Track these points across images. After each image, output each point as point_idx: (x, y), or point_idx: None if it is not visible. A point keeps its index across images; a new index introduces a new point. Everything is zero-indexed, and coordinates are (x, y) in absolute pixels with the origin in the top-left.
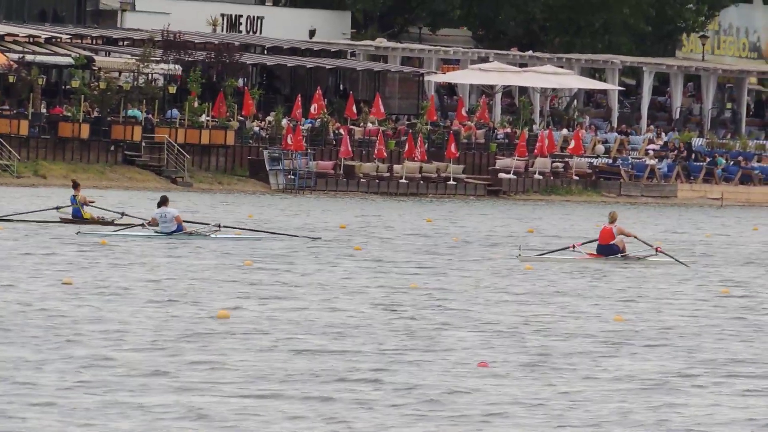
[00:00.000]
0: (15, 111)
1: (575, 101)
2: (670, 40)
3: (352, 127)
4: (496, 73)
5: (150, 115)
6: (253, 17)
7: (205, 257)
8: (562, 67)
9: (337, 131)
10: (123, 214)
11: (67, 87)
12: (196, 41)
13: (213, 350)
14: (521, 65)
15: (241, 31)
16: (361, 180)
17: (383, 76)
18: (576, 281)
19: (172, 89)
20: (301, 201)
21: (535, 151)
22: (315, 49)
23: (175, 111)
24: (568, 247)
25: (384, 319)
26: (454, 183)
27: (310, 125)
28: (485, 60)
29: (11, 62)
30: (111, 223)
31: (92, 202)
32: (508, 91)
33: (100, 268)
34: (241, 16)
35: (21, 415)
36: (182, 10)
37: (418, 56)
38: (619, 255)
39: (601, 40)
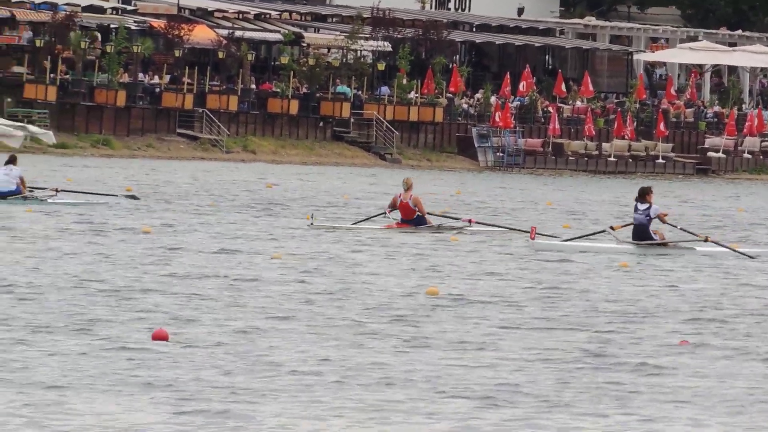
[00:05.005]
0: (224, 87)
1: None
2: None
3: (560, 105)
4: (705, 52)
5: (359, 92)
6: None
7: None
8: None
9: (545, 109)
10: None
11: (276, 63)
12: (404, 18)
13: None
14: (730, 44)
15: (449, 9)
16: (570, 158)
17: (592, 55)
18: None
19: (381, 66)
20: (510, 178)
21: (745, 130)
22: (523, 26)
23: (385, 88)
24: (381, 214)
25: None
26: (663, 162)
27: (518, 103)
28: (694, 39)
29: (221, 38)
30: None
31: None
32: (717, 71)
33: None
34: None
35: None
36: None
37: (626, 35)
38: (425, 226)
39: None
